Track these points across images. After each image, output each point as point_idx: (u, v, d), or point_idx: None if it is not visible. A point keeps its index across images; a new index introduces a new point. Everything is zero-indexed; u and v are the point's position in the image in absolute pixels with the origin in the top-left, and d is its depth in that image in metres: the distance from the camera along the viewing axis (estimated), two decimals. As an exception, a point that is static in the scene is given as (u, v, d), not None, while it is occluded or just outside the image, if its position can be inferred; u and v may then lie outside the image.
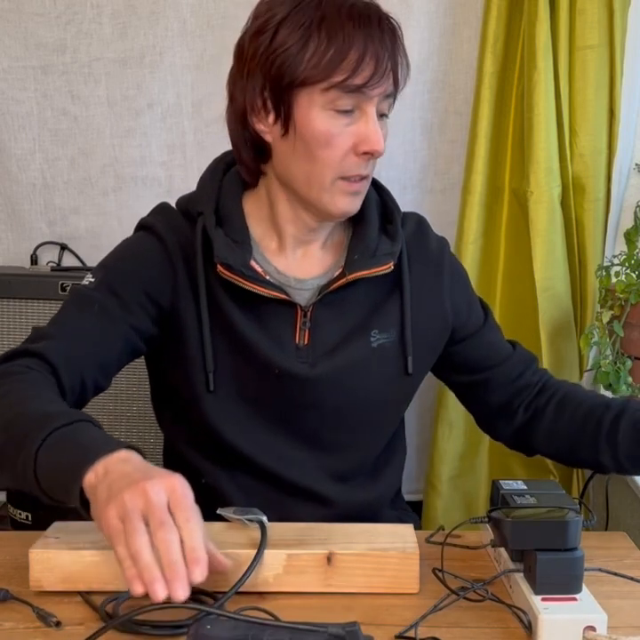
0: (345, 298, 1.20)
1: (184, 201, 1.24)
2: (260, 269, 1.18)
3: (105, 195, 2.07)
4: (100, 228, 2.08)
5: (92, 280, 1.18)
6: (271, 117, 1.12)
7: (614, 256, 1.83)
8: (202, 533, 0.81)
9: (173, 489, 0.82)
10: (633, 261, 1.77)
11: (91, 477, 0.86)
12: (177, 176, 2.04)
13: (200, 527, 0.81)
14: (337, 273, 1.20)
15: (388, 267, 1.19)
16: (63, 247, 2.08)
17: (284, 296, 1.16)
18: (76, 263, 2.08)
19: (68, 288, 1.18)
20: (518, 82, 1.88)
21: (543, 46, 1.79)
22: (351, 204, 1.15)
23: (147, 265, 1.18)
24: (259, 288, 1.15)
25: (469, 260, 1.93)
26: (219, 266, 1.14)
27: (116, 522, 0.81)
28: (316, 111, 1.08)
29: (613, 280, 1.79)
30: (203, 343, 1.17)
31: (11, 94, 2.02)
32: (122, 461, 0.87)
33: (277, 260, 1.21)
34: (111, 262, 1.22)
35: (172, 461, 1.33)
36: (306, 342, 1.19)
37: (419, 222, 1.30)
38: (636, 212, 1.82)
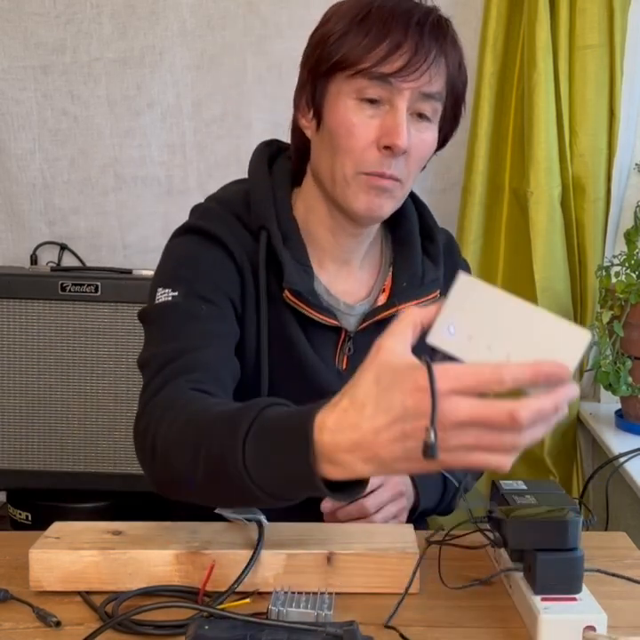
0: (387, 324, 1.18)
1: (236, 207, 1.17)
2: (319, 292, 1.16)
3: (105, 195, 2.07)
4: (100, 227, 2.08)
5: (175, 294, 1.10)
6: (311, 111, 1.11)
7: (614, 256, 1.83)
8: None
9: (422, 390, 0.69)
10: (633, 261, 1.77)
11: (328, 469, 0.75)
12: (177, 176, 2.04)
13: None
14: (380, 296, 1.18)
15: (435, 295, 1.17)
16: (63, 247, 2.08)
17: (335, 322, 1.15)
18: (76, 263, 2.08)
19: (139, 313, 1.10)
20: (518, 82, 1.89)
21: (543, 46, 1.79)
22: (376, 203, 1.09)
23: (223, 274, 1.14)
24: (317, 314, 1.13)
25: (469, 260, 1.92)
26: (287, 291, 1.11)
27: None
28: (342, 99, 1.06)
29: (613, 280, 1.79)
30: (259, 355, 1.14)
31: (11, 94, 2.03)
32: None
33: (321, 275, 1.18)
34: (188, 274, 1.13)
35: None
36: (344, 367, 1.17)
37: (448, 243, 1.27)
38: (636, 212, 1.82)
